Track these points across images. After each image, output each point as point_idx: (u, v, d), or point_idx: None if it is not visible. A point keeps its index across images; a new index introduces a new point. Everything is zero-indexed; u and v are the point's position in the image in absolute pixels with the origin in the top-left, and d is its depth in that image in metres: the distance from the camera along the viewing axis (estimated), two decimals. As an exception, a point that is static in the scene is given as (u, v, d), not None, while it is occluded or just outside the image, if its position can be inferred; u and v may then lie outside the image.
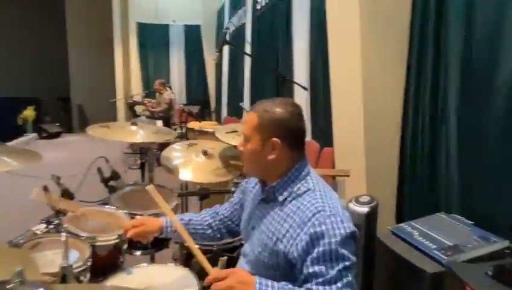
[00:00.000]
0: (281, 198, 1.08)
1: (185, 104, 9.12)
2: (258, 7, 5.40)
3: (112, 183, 1.79)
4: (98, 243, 1.44)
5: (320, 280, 0.93)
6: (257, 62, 5.19)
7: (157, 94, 6.24)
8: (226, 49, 7.80)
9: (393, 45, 2.39)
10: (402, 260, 1.60)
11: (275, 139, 1.05)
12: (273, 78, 4.18)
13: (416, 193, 2.32)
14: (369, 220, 1.74)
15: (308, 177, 1.09)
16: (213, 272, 0.96)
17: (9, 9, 10.76)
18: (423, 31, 2.20)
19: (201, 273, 1.57)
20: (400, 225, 1.83)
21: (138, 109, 6.53)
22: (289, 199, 1.07)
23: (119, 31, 9.12)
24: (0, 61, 10.58)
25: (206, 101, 9.17)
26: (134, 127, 1.93)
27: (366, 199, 1.77)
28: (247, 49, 5.80)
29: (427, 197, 2.18)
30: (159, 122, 4.48)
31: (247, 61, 5.86)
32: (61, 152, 6.73)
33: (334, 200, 1.05)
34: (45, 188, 1.45)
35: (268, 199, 1.13)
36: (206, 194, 2.30)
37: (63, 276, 0.99)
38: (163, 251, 1.86)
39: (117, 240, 1.52)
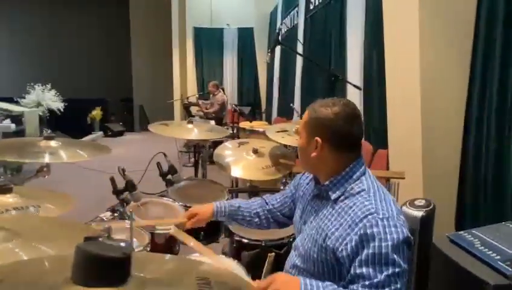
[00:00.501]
0: (333, 196, 1.09)
1: (237, 105, 9.37)
2: (311, 7, 5.38)
3: (169, 177, 1.90)
4: (156, 232, 1.56)
5: (366, 282, 0.92)
6: (309, 62, 5.15)
7: (210, 95, 6.47)
8: (277, 50, 7.86)
9: (455, 44, 2.26)
10: (461, 270, 1.50)
11: (317, 138, 1.08)
12: (325, 78, 4.12)
13: (479, 199, 2.16)
14: (425, 225, 1.65)
15: (363, 178, 1.08)
16: (255, 283, 0.96)
17: (79, 18, 11.93)
18: (490, 30, 2.05)
19: (249, 267, 1.64)
20: (459, 232, 1.72)
21: (193, 109, 6.82)
22: (342, 197, 1.07)
23: (177, 36, 9.62)
24: (72, 66, 11.80)
25: (257, 102, 9.31)
26: (190, 125, 2.05)
27: (421, 202, 1.69)
28: (299, 49, 5.79)
29: (492, 205, 2.02)
30: (212, 122, 4.63)
31: (299, 62, 5.85)
32: (124, 149, 7.25)
33: (389, 203, 1.03)
34: (112, 179, 1.60)
35: (321, 196, 1.15)
36: (255, 192, 2.36)
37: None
38: (213, 245, 1.95)
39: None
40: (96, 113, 9.40)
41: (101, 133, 9.24)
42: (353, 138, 1.10)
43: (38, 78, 6.94)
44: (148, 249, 1.40)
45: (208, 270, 0.57)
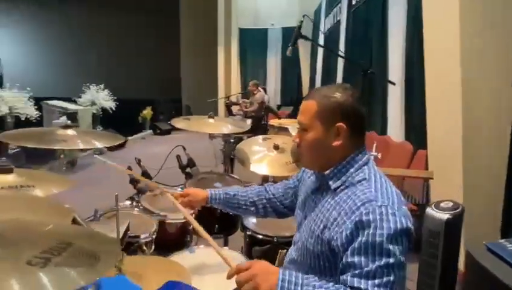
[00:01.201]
0: (333, 186, 1.03)
1: (279, 105, 9.36)
2: (354, 2, 5.21)
3: (188, 170, 1.95)
4: (168, 221, 1.60)
5: (356, 271, 0.86)
6: (348, 59, 4.99)
7: (251, 95, 6.53)
8: (320, 49, 7.73)
9: (499, 40, 2.05)
10: (498, 283, 1.35)
11: (340, 124, 1.01)
12: (364, 76, 3.96)
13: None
14: (450, 229, 1.51)
15: (365, 167, 1.02)
16: (234, 266, 0.93)
17: (132, 22, 12.78)
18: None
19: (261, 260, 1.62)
20: (500, 241, 1.54)
21: (234, 108, 6.93)
22: (342, 187, 1.02)
23: (222, 37, 9.86)
24: (124, 68, 12.69)
25: (300, 102, 9.18)
26: (211, 120, 2.07)
27: (448, 204, 1.54)
28: (341, 46, 5.64)
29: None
30: (248, 121, 4.67)
31: (340, 60, 5.69)
32: (168, 146, 7.55)
33: (390, 193, 0.96)
34: (129, 169, 1.68)
35: (322, 187, 1.09)
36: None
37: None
38: (233, 238, 1.96)
39: (184, 220, 1.66)
40: (147, 112, 9.93)
41: (150, 131, 9.74)
42: (364, 121, 1.05)
43: (93, 79, 7.49)
44: (154, 236, 1.43)
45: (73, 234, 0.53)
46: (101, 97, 7.15)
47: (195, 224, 1.10)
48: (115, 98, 7.46)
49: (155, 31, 12.71)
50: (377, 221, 0.88)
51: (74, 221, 0.80)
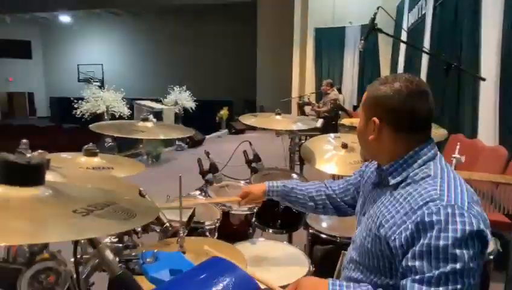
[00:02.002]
0: (393, 182, 0.96)
1: (355, 106, 9.01)
2: (441, -7, 4.77)
3: (253, 165, 2.00)
4: (232, 212, 1.67)
5: (417, 277, 0.79)
6: (433, 55, 4.58)
7: (324, 94, 6.42)
8: (402, 45, 7.22)
9: None
10: None
11: (374, 118, 0.96)
12: (453, 72, 3.60)
13: None
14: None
15: (430, 163, 0.93)
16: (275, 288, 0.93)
17: (211, 28, 13.61)
18: None
19: (320, 262, 1.59)
20: None
21: (307, 108, 6.87)
22: (402, 184, 0.94)
23: (298, 38, 9.86)
24: (204, 71, 13.61)
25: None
26: (278, 117, 2.10)
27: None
28: (426, 41, 5.21)
29: None
30: (320, 121, 4.58)
31: (425, 57, 5.25)
32: (241, 145, 7.82)
33: (460, 191, 0.86)
34: (199, 161, 1.80)
35: (381, 183, 1.03)
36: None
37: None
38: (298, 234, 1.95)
39: (248, 212, 1.71)
40: (224, 112, 10.44)
41: (226, 130, 10.21)
42: (418, 118, 0.95)
43: (177, 81, 8.15)
44: (218, 224, 1.50)
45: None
46: (183, 98, 7.73)
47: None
48: (195, 98, 8.00)
49: (233, 36, 13.36)
50: (442, 223, 0.79)
51: (140, 194, 0.90)
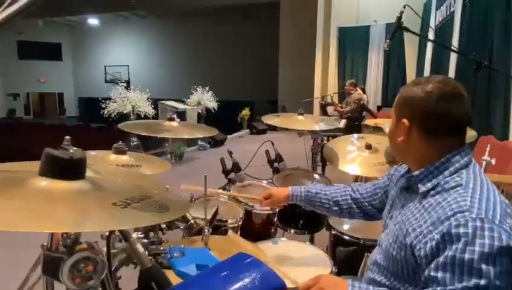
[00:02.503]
0: (422, 189, 0.94)
1: (379, 106, 8.83)
2: (471, -10, 4.60)
3: (276, 165, 2.00)
4: (254, 211, 1.68)
5: (438, 288, 0.77)
6: (462, 54, 4.42)
7: (347, 94, 6.33)
8: (429, 44, 7.02)
9: None
10: None
11: (404, 120, 0.94)
12: (483, 72, 3.46)
13: None
14: None
15: (463, 171, 0.90)
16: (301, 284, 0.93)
17: (233, 30, 13.75)
18: None
19: (343, 263, 1.57)
20: None
21: (329, 109, 6.80)
22: (432, 192, 0.91)
23: (321, 37, 9.77)
24: (226, 72, 13.77)
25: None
26: (301, 117, 2.09)
27: None
28: (455, 40, 5.04)
29: None
30: (343, 121, 4.52)
31: (453, 56, 5.08)
32: (263, 145, 7.86)
33: (492, 203, 0.82)
34: (222, 160, 1.82)
35: (410, 189, 1.01)
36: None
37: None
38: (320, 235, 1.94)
39: (270, 212, 1.72)
40: (245, 113, 10.49)
41: (247, 131, 10.26)
42: (451, 121, 0.91)
43: (200, 82, 8.27)
44: (240, 223, 1.52)
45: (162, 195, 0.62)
46: (205, 98, 7.83)
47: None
48: (217, 99, 8.10)
49: (255, 37, 13.45)
50: (469, 236, 0.76)
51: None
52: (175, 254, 0.69)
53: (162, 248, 0.71)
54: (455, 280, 0.75)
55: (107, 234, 0.99)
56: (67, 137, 0.59)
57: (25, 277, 0.97)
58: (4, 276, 0.91)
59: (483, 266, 0.74)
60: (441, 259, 0.78)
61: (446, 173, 0.91)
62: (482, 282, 0.73)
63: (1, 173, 0.61)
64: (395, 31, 1.86)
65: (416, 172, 0.96)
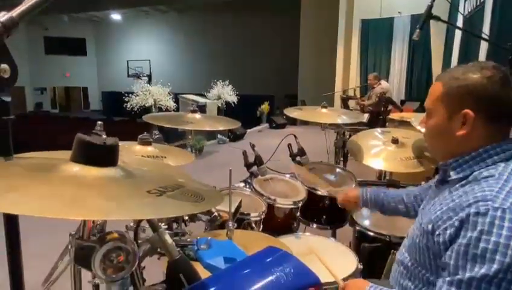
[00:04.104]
0: (453, 177, 0.89)
1: (403, 100, 8.59)
2: (504, -23, 4.37)
3: (298, 159, 1.97)
4: (276, 205, 1.66)
5: (448, 278, 0.75)
6: (496, 47, 4.21)
7: (370, 88, 6.19)
8: (457, 35, 6.75)
9: None
10: None
11: (466, 111, 0.86)
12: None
13: None
14: None
15: (501, 164, 0.84)
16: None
17: (254, 25, 13.67)
18: None
19: (367, 260, 1.54)
20: None
21: (350, 103, 6.67)
22: (463, 182, 0.87)
23: (343, 30, 9.57)
24: (246, 66, 13.75)
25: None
26: (324, 110, 2.05)
27: None
28: (486, 29, 4.82)
29: None
30: (365, 116, 4.42)
31: (483, 47, 4.86)
32: (279, 139, 7.83)
33: None
34: (244, 153, 1.81)
35: (444, 179, 0.96)
36: (394, 186, 2.15)
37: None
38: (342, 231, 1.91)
39: (293, 206, 1.69)
40: (265, 107, 10.45)
41: (266, 125, 10.22)
42: (509, 107, 0.86)
43: (220, 76, 8.28)
44: (263, 216, 1.50)
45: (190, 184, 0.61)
46: (225, 92, 7.84)
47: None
48: (237, 93, 8.09)
49: (275, 31, 13.35)
50: (486, 225, 0.73)
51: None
52: (202, 246, 0.68)
53: (188, 240, 0.70)
54: (464, 269, 0.73)
55: (131, 224, 0.99)
56: (100, 122, 0.59)
57: (53, 265, 0.99)
58: (32, 264, 0.93)
59: (497, 257, 0.70)
60: (455, 246, 0.76)
61: (482, 163, 0.86)
62: (491, 273, 0.70)
63: (32, 159, 0.61)
64: (425, 20, 1.78)
65: (451, 160, 0.91)
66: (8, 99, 0.50)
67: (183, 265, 0.57)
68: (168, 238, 0.60)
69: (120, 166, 0.57)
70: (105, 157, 0.55)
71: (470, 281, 0.72)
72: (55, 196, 0.45)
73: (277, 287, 0.51)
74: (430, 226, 0.86)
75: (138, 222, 0.65)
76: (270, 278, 0.53)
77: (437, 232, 0.82)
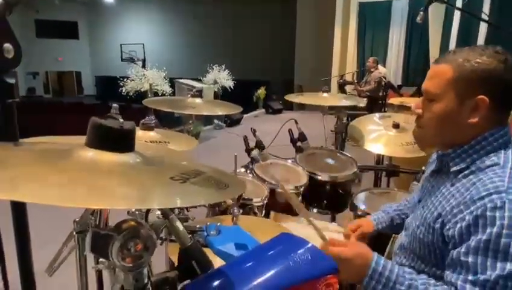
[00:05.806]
0: (454, 168, 0.87)
1: (400, 85, 8.56)
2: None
3: (299, 144, 1.96)
4: (278, 190, 1.66)
5: (470, 277, 0.72)
6: (496, 29, 4.20)
7: (367, 73, 6.15)
8: (456, 17, 6.69)
9: None
10: None
11: (482, 97, 0.82)
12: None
13: None
14: None
15: (502, 151, 0.83)
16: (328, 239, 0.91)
17: (250, 8, 13.45)
18: None
19: (369, 244, 1.55)
20: None
21: (348, 88, 6.64)
22: (466, 172, 0.85)
23: (340, 14, 9.44)
24: (242, 50, 13.62)
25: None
26: (325, 94, 2.03)
27: None
28: (486, 8, 4.80)
29: None
30: (364, 100, 4.39)
31: (482, 29, 4.85)
32: (280, 124, 7.81)
33: None
34: (245, 138, 1.79)
35: (443, 170, 0.94)
36: (393, 172, 2.16)
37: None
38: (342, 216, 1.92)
39: (294, 191, 1.69)
40: (261, 92, 10.38)
41: (263, 110, 10.17)
42: None
43: (216, 61, 8.16)
44: (266, 201, 1.50)
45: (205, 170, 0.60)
46: (222, 77, 7.76)
47: (296, 202, 1.10)
48: (234, 78, 8.01)
49: (272, 15, 13.15)
50: (505, 219, 0.71)
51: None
52: (211, 232, 0.68)
53: (198, 226, 0.69)
54: (489, 267, 0.71)
55: (133, 210, 0.98)
56: (115, 105, 0.56)
57: (57, 252, 0.98)
58: (35, 251, 0.92)
59: None
60: (472, 243, 0.74)
61: (482, 152, 0.84)
62: None
63: (41, 144, 0.59)
64: (430, 2, 1.75)
65: (449, 150, 0.89)
66: (12, 81, 0.47)
67: (196, 252, 0.57)
68: (179, 224, 0.59)
69: (137, 151, 0.55)
70: (123, 142, 0.52)
71: (497, 280, 0.70)
72: (75, 184, 0.43)
73: (295, 274, 0.51)
74: (439, 223, 0.85)
75: (148, 209, 0.64)
76: (288, 265, 0.52)
77: (447, 226, 0.81)
